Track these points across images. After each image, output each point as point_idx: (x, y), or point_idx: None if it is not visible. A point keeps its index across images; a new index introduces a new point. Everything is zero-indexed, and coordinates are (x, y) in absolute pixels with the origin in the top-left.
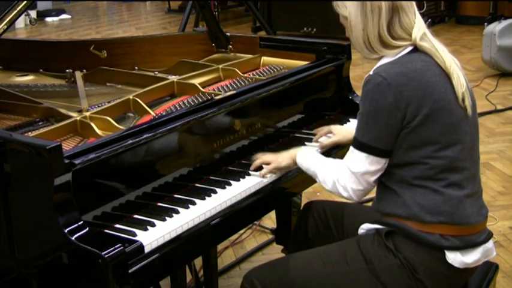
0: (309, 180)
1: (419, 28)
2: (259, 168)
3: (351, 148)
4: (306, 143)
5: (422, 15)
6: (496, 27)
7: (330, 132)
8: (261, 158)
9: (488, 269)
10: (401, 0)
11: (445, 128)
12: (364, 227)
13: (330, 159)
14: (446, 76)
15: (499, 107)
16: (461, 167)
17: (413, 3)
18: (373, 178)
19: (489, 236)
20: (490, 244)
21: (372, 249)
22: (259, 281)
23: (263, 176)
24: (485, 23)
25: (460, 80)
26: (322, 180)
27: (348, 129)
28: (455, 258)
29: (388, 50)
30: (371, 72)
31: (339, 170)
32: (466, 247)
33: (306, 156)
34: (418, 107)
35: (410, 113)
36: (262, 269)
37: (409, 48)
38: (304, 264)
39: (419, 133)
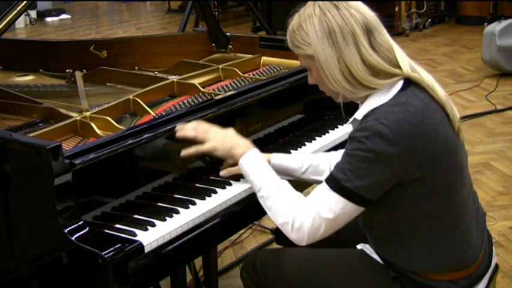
0: None
1: (400, 52)
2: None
3: (326, 188)
4: (306, 142)
5: (422, 15)
6: (496, 27)
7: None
8: (195, 128)
9: None
10: (366, 12)
11: (452, 170)
12: (368, 249)
13: (285, 187)
14: (442, 110)
15: (499, 107)
16: (466, 202)
17: (380, 22)
18: (340, 226)
19: (491, 245)
20: (493, 261)
21: (383, 283)
22: (262, 266)
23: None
24: (485, 23)
25: (454, 112)
26: (268, 209)
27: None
28: None
29: (380, 79)
30: (358, 116)
31: (301, 210)
32: (475, 282)
33: (254, 165)
34: (426, 154)
35: (416, 163)
36: (268, 255)
37: (400, 84)
38: (311, 267)
39: (426, 181)
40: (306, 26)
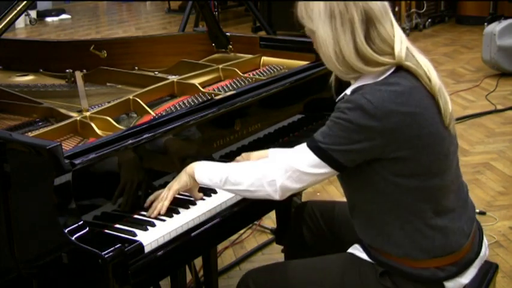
0: None
1: (401, 41)
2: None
3: (303, 146)
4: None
5: (422, 15)
6: (496, 27)
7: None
8: (154, 196)
9: (488, 269)
10: (373, 3)
11: (435, 155)
12: (354, 252)
13: (239, 162)
14: (432, 97)
15: (499, 107)
16: (449, 190)
17: (389, 11)
18: (311, 181)
19: (481, 236)
20: (483, 251)
21: (372, 280)
22: (255, 284)
23: (153, 215)
24: (485, 23)
25: (447, 100)
26: (235, 182)
27: (256, 155)
28: (454, 285)
29: (371, 67)
30: (348, 92)
31: (268, 165)
32: (463, 269)
33: (207, 167)
34: (406, 134)
35: (397, 142)
36: (260, 273)
37: (393, 68)
38: (303, 278)
39: (407, 162)
40: (313, 3)
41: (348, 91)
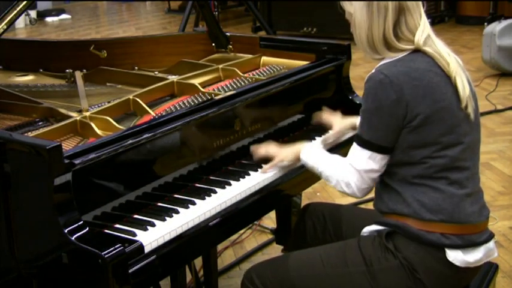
0: (308, 180)
1: (423, 30)
2: (261, 160)
3: (354, 145)
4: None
5: None
6: (496, 27)
7: (328, 119)
8: (266, 149)
9: (488, 269)
10: (408, 0)
11: (445, 129)
12: (366, 230)
13: (334, 157)
14: (448, 78)
15: (499, 107)
16: (462, 166)
17: (420, 3)
18: (377, 174)
19: (490, 236)
20: (491, 244)
21: (372, 250)
22: (259, 278)
23: (264, 172)
24: (485, 23)
25: (464, 85)
26: (326, 178)
27: (342, 118)
28: (456, 256)
29: (391, 52)
30: (373, 70)
31: (342, 168)
32: (467, 246)
33: (310, 154)
34: (419, 106)
35: (410, 112)
36: (262, 266)
37: (411, 50)
38: (304, 264)
39: (420, 133)
40: None
41: (373, 70)
